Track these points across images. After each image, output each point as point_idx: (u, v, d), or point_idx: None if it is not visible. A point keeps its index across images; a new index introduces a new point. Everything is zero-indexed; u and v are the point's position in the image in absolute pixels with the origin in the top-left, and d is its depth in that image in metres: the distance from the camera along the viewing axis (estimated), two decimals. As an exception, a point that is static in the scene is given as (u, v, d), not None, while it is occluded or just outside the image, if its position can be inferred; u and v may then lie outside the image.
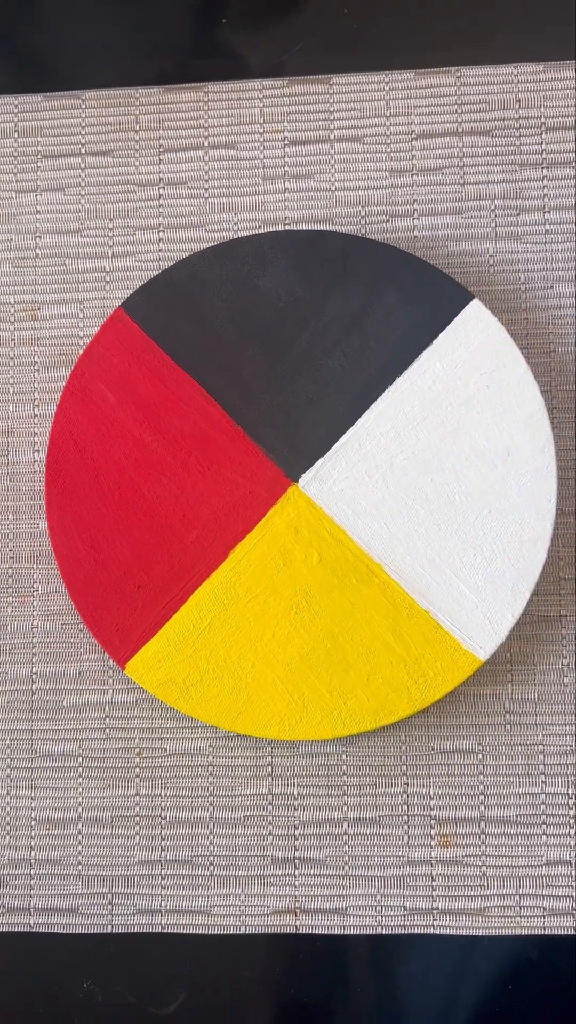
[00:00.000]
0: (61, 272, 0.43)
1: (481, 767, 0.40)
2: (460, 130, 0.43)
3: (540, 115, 0.42)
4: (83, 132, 0.44)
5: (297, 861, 0.40)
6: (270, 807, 0.41)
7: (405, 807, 0.40)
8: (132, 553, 0.40)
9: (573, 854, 0.40)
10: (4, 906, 0.41)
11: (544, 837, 0.40)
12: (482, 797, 0.40)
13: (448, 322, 0.39)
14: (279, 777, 0.41)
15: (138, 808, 0.41)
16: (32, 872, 0.41)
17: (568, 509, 0.41)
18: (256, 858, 0.41)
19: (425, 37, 0.43)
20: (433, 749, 0.40)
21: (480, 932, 0.40)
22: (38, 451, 0.43)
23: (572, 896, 0.40)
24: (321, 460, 0.40)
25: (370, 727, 0.38)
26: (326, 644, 0.39)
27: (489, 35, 0.43)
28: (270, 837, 0.41)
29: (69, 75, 0.44)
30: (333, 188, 0.43)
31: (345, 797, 0.40)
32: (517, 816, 0.40)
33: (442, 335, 0.39)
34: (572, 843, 0.40)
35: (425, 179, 0.42)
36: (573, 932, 0.39)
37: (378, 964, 0.40)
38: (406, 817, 0.40)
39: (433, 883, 0.40)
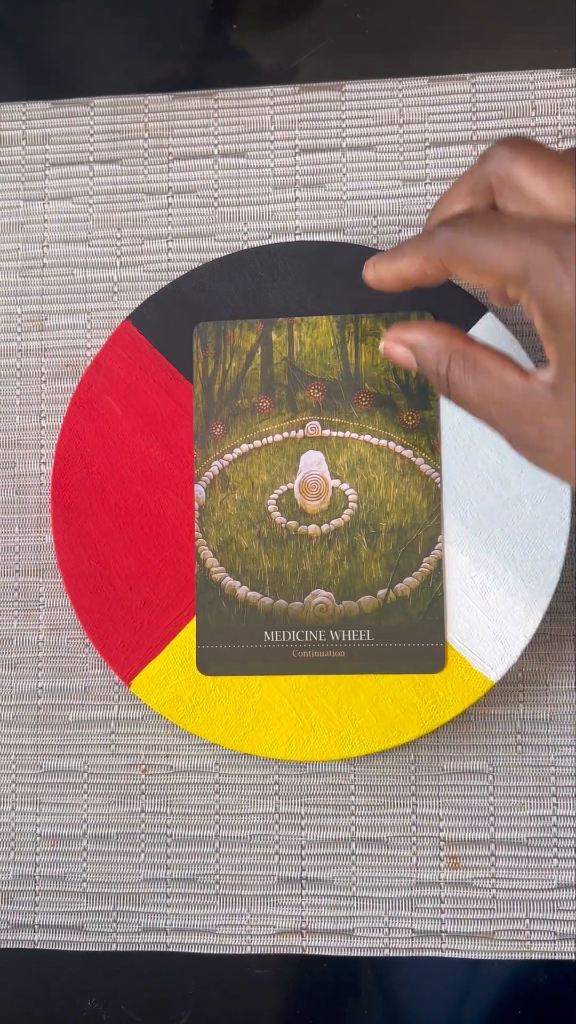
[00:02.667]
0: (68, 282, 0.43)
1: (491, 788, 0.40)
2: (475, 138, 0.42)
3: (557, 123, 0.41)
4: (91, 140, 0.43)
5: (304, 881, 0.40)
6: (277, 826, 0.40)
7: (414, 828, 0.40)
8: (138, 568, 0.39)
9: (585, 878, 0.39)
10: (8, 923, 0.41)
11: (555, 860, 0.39)
12: (492, 819, 0.39)
13: (461, 336, 0.39)
14: (286, 796, 0.40)
15: (143, 825, 0.41)
16: (37, 889, 0.41)
17: None
18: (262, 878, 0.40)
19: (439, 43, 0.42)
20: (443, 770, 0.40)
21: (489, 956, 0.39)
22: (44, 463, 0.42)
23: (583, 921, 0.39)
24: (330, 475, 0.40)
25: (378, 748, 0.38)
26: (334, 663, 0.39)
27: (504, 41, 0.42)
28: (277, 857, 0.40)
29: (77, 82, 0.43)
30: (345, 197, 0.42)
31: (353, 817, 0.40)
32: (527, 839, 0.39)
33: (455, 349, 0.39)
34: (584, 867, 0.39)
35: (439, 188, 0.42)
36: (584, 957, 0.39)
37: (385, 986, 0.39)
38: (415, 838, 0.40)
39: (442, 905, 0.39)
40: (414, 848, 0.40)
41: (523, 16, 0.42)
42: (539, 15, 0.42)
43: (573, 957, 0.39)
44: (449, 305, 0.39)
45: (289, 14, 0.43)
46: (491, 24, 0.42)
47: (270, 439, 0.39)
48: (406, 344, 0.31)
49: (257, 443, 0.39)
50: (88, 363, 0.42)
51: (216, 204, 0.42)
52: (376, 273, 0.31)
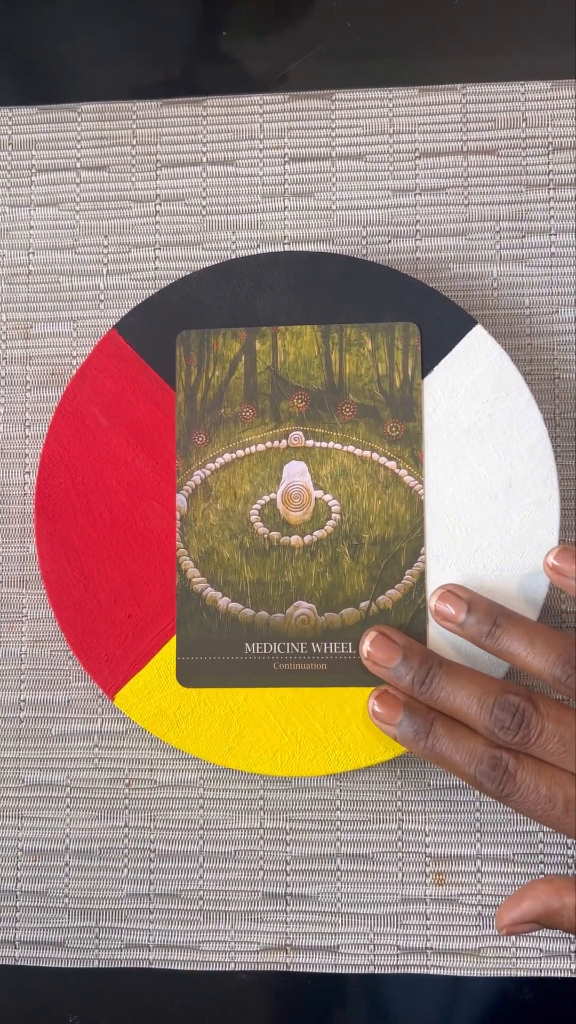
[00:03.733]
0: (54, 290, 0.42)
1: (478, 804, 0.39)
2: (465, 149, 0.41)
3: (547, 135, 0.41)
4: (79, 146, 0.43)
5: (288, 897, 0.40)
6: (261, 841, 0.40)
7: (400, 844, 0.39)
8: (123, 581, 0.39)
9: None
10: (-11, 938, 0.40)
11: (542, 877, 0.39)
12: (478, 835, 0.39)
13: (450, 348, 0.38)
14: (271, 811, 0.40)
15: (127, 840, 0.40)
16: (18, 904, 0.40)
17: (570, 542, 0.40)
18: (247, 893, 0.40)
19: (430, 53, 0.42)
20: (429, 785, 0.39)
21: (475, 973, 0.39)
22: (28, 473, 0.42)
23: (570, 938, 0.39)
24: (317, 488, 0.39)
25: (365, 764, 0.37)
26: (320, 677, 0.38)
27: (496, 52, 0.42)
28: (261, 872, 0.40)
29: (65, 87, 0.43)
30: (334, 207, 0.42)
31: (339, 833, 0.40)
32: (514, 855, 0.39)
33: (443, 362, 0.38)
34: (570, 883, 0.39)
35: (428, 199, 0.41)
36: (570, 975, 0.38)
37: (370, 1004, 0.39)
38: (400, 854, 0.39)
39: (427, 922, 0.39)
40: (400, 864, 0.39)
41: (514, 27, 0.42)
42: (530, 26, 0.42)
43: (559, 975, 0.39)
44: (437, 317, 0.38)
45: (280, 22, 0.43)
46: (482, 35, 0.42)
47: (253, 449, 0.39)
48: (526, 922, 0.33)
49: (240, 453, 0.39)
50: (73, 372, 0.41)
51: (204, 212, 0.42)
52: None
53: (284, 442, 0.39)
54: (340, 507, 0.38)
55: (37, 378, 0.42)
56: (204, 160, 0.42)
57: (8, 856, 0.40)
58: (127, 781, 0.40)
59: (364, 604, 0.38)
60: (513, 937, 0.39)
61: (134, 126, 0.43)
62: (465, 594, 0.36)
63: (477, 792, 0.39)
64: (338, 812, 0.40)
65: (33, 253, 0.42)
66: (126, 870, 0.40)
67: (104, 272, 0.42)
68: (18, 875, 0.40)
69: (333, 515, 0.38)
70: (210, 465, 0.39)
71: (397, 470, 0.38)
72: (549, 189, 0.41)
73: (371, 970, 0.39)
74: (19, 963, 0.40)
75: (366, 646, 0.36)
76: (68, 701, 0.41)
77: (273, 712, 0.38)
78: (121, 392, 0.39)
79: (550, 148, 0.41)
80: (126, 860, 0.40)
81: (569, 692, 0.33)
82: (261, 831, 0.40)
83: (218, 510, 0.39)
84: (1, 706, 0.41)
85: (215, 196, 0.42)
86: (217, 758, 0.38)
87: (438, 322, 0.38)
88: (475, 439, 0.38)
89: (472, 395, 0.38)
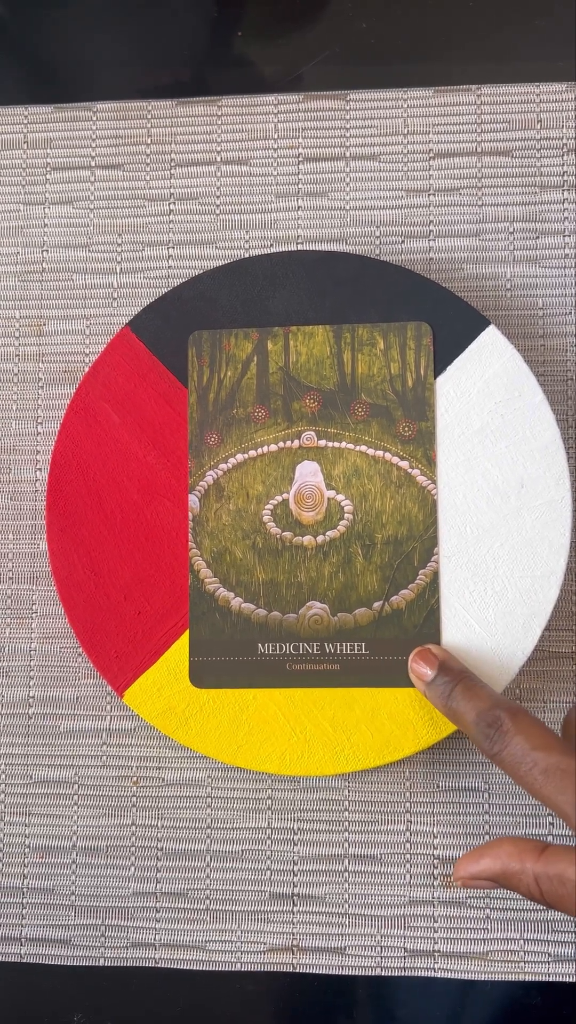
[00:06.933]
0: (67, 287, 0.42)
1: (487, 806, 0.39)
2: (479, 150, 0.41)
3: (562, 136, 0.41)
4: (93, 145, 0.43)
5: (296, 897, 0.39)
6: (269, 841, 0.40)
7: (408, 845, 0.39)
8: (133, 578, 0.39)
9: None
10: (-5, 935, 0.40)
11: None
12: (487, 837, 0.39)
13: (463, 348, 0.38)
14: (279, 811, 0.40)
15: (134, 838, 0.40)
16: (24, 901, 0.40)
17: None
18: (253, 893, 0.39)
19: (445, 54, 0.42)
20: (438, 787, 0.39)
21: (482, 976, 0.38)
22: (40, 470, 0.42)
23: (578, 942, 0.38)
24: (329, 486, 0.39)
25: (374, 764, 0.37)
26: (330, 677, 0.38)
27: (511, 53, 0.42)
28: (268, 872, 0.39)
29: (80, 86, 0.43)
30: (347, 207, 0.42)
31: (347, 833, 0.39)
32: (523, 858, 0.39)
33: (456, 361, 0.38)
34: (579, 887, 0.38)
35: (442, 199, 0.41)
36: (578, 979, 0.38)
37: (376, 1006, 0.39)
38: (409, 856, 0.39)
39: (435, 924, 0.39)
40: (408, 865, 0.39)
41: (529, 29, 0.42)
42: (546, 28, 0.42)
43: (568, 979, 0.38)
44: (450, 317, 0.38)
45: (294, 22, 0.43)
46: (497, 36, 0.42)
47: (265, 449, 0.39)
48: (483, 879, 0.32)
49: (252, 453, 0.39)
50: (86, 369, 0.41)
51: (218, 212, 0.42)
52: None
53: (296, 442, 0.39)
54: (353, 507, 0.38)
55: (49, 375, 0.42)
56: (218, 159, 0.42)
57: (15, 853, 0.40)
58: (135, 779, 0.40)
59: (377, 604, 0.38)
60: (520, 940, 0.38)
61: (149, 125, 0.43)
62: (440, 654, 0.36)
63: (486, 794, 0.39)
64: (346, 812, 0.39)
65: (47, 251, 0.43)
66: (133, 868, 0.40)
67: (117, 270, 0.42)
68: (24, 872, 0.40)
69: (346, 515, 0.38)
70: (222, 465, 0.39)
71: (410, 470, 0.38)
72: (563, 190, 0.41)
73: (378, 972, 0.39)
74: (24, 960, 0.40)
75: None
76: (77, 698, 0.41)
77: (282, 711, 0.38)
78: (133, 389, 0.39)
79: (564, 149, 0.41)
80: (133, 858, 0.40)
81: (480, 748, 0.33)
82: (269, 831, 0.40)
83: (230, 510, 0.39)
84: (10, 702, 0.41)
85: (229, 195, 0.42)
86: (225, 757, 0.38)
87: (451, 322, 0.38)
88: (488, 439, 0.38)
89: (485, 395, 0.38)
